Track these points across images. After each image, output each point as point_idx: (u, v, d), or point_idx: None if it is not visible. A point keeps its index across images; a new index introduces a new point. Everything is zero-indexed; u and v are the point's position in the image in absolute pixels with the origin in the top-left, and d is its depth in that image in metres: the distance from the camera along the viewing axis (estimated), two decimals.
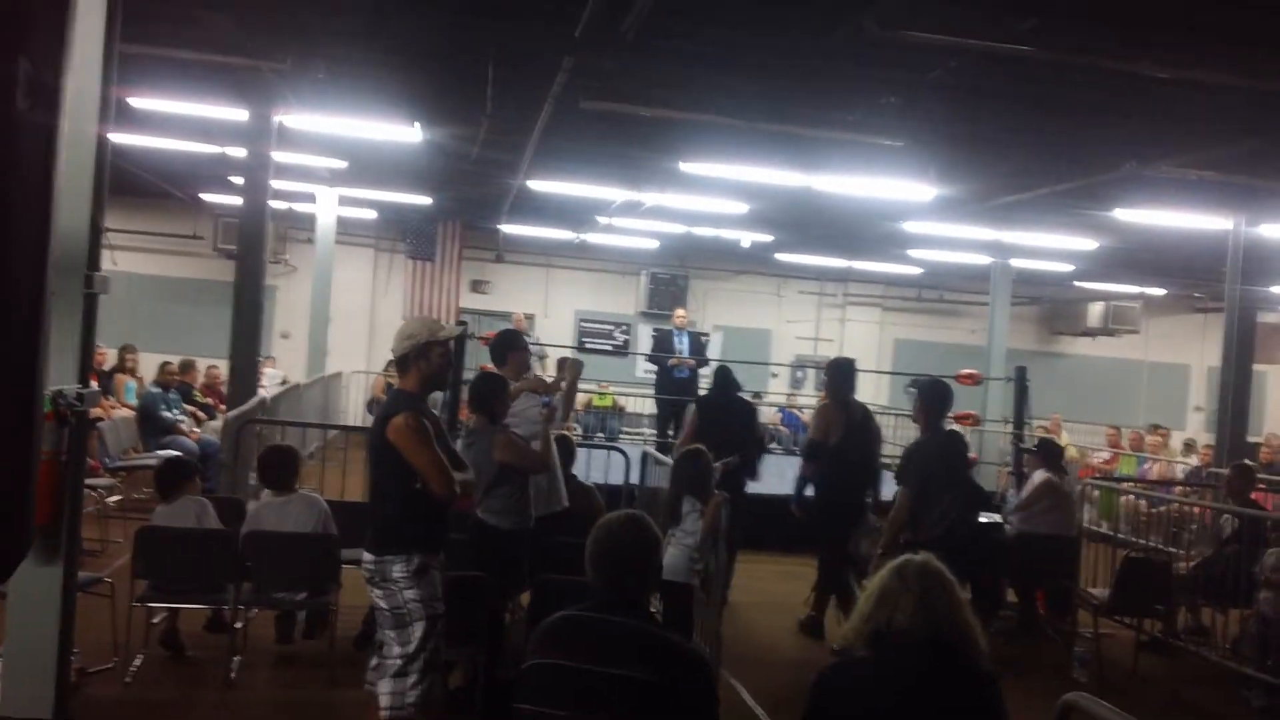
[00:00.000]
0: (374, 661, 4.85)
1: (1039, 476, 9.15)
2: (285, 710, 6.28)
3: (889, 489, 8.63)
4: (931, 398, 7.44)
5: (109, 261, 17.79)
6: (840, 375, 8.71)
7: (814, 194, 12.51)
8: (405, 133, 10.77)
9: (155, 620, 6.75)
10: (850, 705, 3.16)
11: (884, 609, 3.21)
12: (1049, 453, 9.44)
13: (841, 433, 8.34)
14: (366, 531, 4.84)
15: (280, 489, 6.90)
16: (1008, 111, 9.06)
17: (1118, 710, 3.16)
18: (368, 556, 4.75)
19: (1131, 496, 11.84)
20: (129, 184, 16.59)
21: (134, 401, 13.18)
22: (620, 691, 3.18)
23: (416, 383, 4.88)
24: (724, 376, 9.41)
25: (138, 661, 6.46)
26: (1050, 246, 15.51)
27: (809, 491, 8.60)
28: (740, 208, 14.22)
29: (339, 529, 6.76)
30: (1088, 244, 14.97)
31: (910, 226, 14.71)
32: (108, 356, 14.44)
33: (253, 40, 8.94)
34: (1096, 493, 11.74)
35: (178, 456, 8.69)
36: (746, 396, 9.91)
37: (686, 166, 11.33)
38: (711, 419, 8.95)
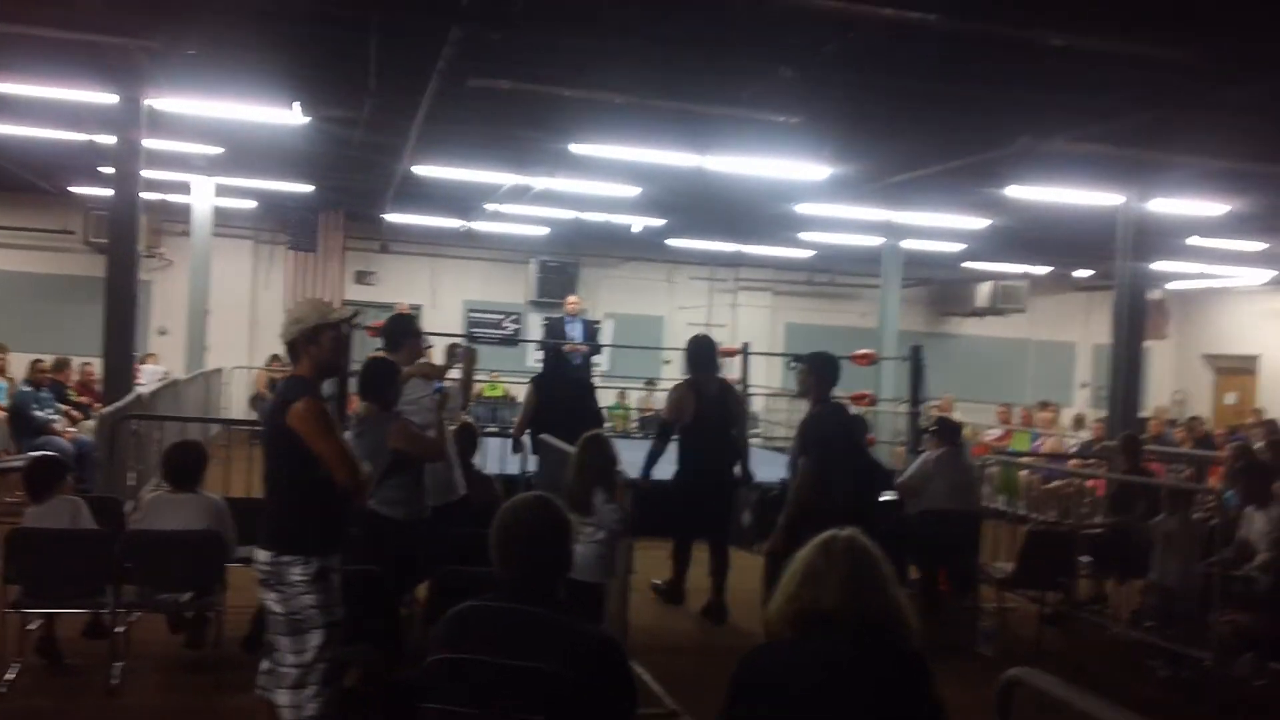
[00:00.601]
0: (265, 665, 4.55)
1: (933, 453, 9.11)
2: (170, 717, 5.99)
3: (769, 466, 8.51)
4: (821, 370, 7.37)
5: None
6: (692, 354, 8.65)
7: (706, 175, 12.37)
8: (284, 115, 10.42)
9: (31, 627, 6.39)
10: (776, 690, 2.97)
11: (809, 588, 3.05)
12: (948, 430, 9.39)
13: (693, 411, 8.31)
14: (261, 527, 4.53)
15: (180, 487, 6.58)
16: (905, 86, 8.95)
17: (1064, 683, 3.02)
18: (263, 555, 4.43)
19: (1028, 471, 11.95)
20: None
21: (5, 402, 12.64)
22: (532, 685, 2.98)
23: (309, 369, 4.58)
24: (555, 353, 9.45)
25: (12, 672, 6.13)
26: (941, 226, 15.61)
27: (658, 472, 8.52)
28: (631, 191, 14.04)
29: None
30: (979, 223, 15.10)
31: (803, 208, 14.66)
32: None
33: (119, 16, 8.47)
34: (995, 469, 11.83)
35: (48, 455, 8.25)
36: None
37: (576, 148, 11.14)
38: (549, 397, 9.15)
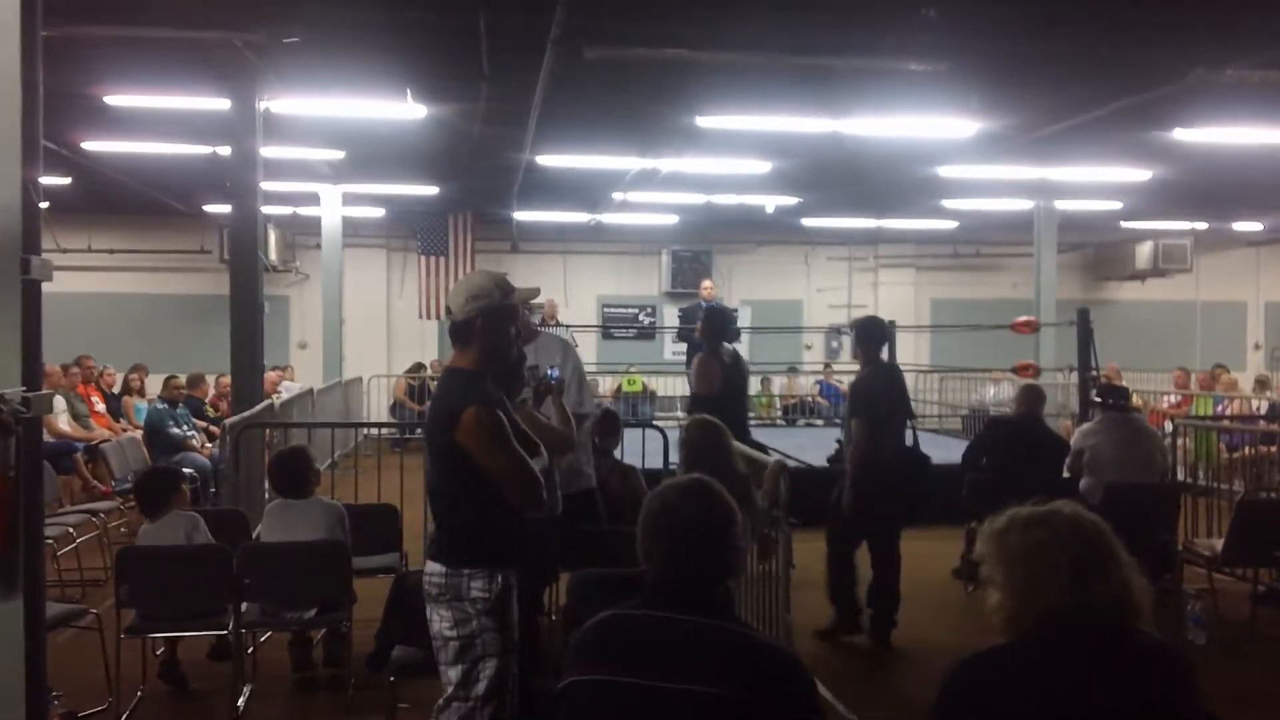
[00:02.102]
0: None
1: (1087, 424, 8.30)
2: None
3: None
4: (866, 333, 7.47)
5: (113, 283, 17.75)
6: (714, 324, 8.80)
7: (842, 142, 11.67)
8: (401, 110, 10.21)
9: (159, 652, 6.12)
10: (1000, 707, 2.34)
11: (1034, 581, 2.43)
12: (1109, 395, 8.56)
13: (720, 380, 8.45)
14: (433, 539, 3.91)
15: (293, 494, 6.24)
16: (1061, 17, 8.14)
17: None
18: (435, 568, 3.80)
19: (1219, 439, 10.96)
20: (129, 202, 16.69)
21: (141, 421, 12.69)
22: (694, 712, 2.40)
23: (476, 360, 3.86)
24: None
25: (135, 700, 5.83)
26: (1098, 182, 14.64)
27: None
28: (762, 167, 13.50)
29: (355, 535, 6.19)
30: (1139, 175, 14.04)
31: (946, 171, 13.86)
32: (116, 379, 14.33)
33: (218, 8, 8.27)
34: (1185, 438, 10.80)
35: (160, 467, 8.19)
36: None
37: (703, 120, 10.60)
38: None
